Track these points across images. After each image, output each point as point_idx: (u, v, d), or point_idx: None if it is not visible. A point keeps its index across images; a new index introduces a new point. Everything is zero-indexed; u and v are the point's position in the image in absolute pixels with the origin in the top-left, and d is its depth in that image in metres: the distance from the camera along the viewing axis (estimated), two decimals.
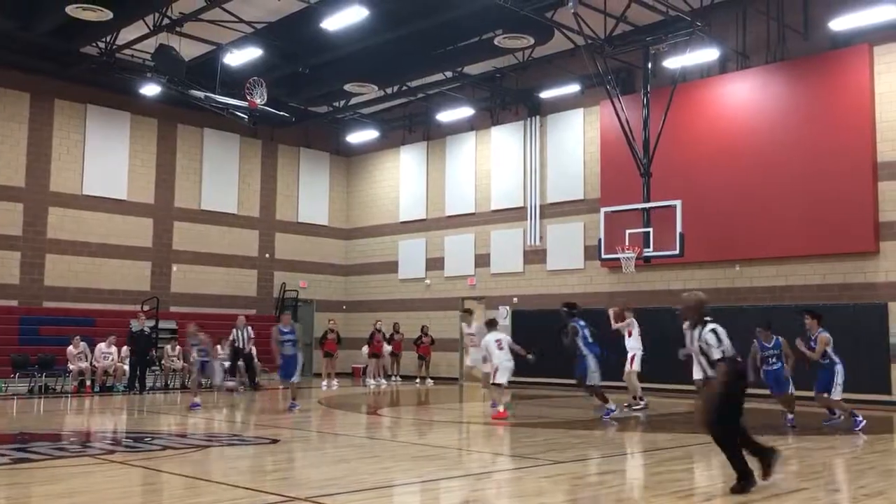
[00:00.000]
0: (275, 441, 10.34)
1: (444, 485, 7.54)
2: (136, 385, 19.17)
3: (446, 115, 24.19)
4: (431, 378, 23.33)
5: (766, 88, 18.79)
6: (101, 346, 19.21)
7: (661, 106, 18.52)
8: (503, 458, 9.56)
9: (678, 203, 17.47)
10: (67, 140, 22.59)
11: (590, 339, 13.25)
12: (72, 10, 16.55)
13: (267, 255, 26.63)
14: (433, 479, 7.69)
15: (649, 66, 18.91)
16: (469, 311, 18.54)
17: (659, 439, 10.90)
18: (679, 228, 17.36)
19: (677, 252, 17.42)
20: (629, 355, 14.88)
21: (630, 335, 14.97)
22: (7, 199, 21.36)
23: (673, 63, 18.64)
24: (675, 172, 19.09)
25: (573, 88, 21.48)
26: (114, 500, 6.60)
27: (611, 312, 15.53)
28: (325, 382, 21.80)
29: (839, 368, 11.82)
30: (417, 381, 23.32)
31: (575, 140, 22.63)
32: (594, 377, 13.10)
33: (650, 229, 18.03)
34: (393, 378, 23.54)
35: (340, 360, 23.35)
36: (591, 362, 13.06)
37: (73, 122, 22.69)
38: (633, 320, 15.11)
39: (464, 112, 23.93)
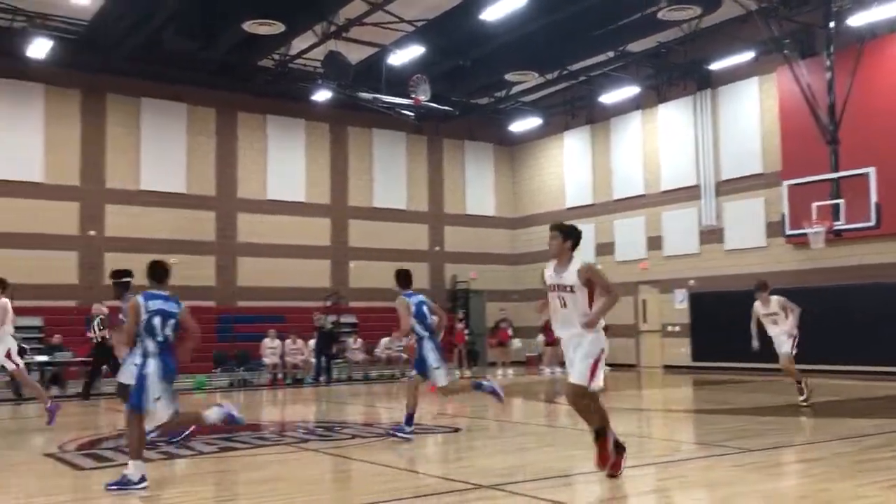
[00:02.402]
0: (456, 430, 10.54)
1: (628, 473, 7.38)
2: (322, 377, 20.17)
3: (610, 97, 23.67)
4: (608, 365, 22.92)
5: None
6: (288, 342, 20.37)
7: (847, 67, 17.22)
8: (688, 446, 9.25)
9: (871, 170, 16.16)
10: (251, 150, 24.09)
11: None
12: (248, 26, 17.61)
13: (437, 248, 27.20)
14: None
15: (831, 25, 17.60)
16: None
17: (861, 426, 10.15)
18: (874, 198, 16.05)
19: (873, 223, 16.13)
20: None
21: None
22: (201, 207, 23.07)
23: (859, 19, 17.25)
24: (866, 138, 17.70)
25: (746, 57, 20.39)
26: (310, 485, 6.97)
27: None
28: (500, 371, 22.00)
29: None
30: None
31: (750, 111, 21.50)
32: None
33: (840, 200, 16.80)
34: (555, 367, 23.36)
35: (514, 350, 23.50)
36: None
37: (255, 133, 24.18)
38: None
39: (628, 92, 23.31)
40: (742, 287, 20.60)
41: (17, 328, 19.06)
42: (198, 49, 19.85)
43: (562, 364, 23.68)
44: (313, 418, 13.32)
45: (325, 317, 20.66)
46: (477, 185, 28.27)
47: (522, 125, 26.85)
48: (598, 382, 6.58)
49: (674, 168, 23.40)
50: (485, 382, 10.05)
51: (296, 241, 24.36)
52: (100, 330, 15.86)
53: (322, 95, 22.25)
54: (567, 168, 26.93)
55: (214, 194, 23.46)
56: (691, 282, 22.65)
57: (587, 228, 25.78)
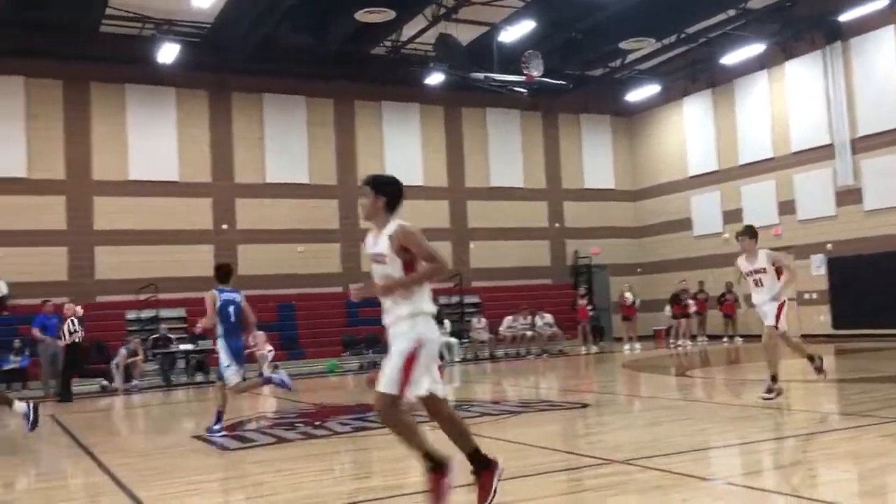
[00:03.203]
0: (584, 406, 10.46)
1: (768, 446, 7.13)
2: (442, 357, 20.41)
3: (732, 58, 22.70)
4: (741, 336, 22.18)
5: None
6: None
7: None
8: (833, 417, 8.82)
9: None
10: (370, 136, 24.56)
11: None
12: (360, 15, 17.93)
13: (557, 225, 26.95)
14: (755, 441, 7.30)
15: None
16: None
17: None
18: None
19: None
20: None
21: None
22: (324, 196, 23.74)
23: None
24: None
25: (880, 3, 19.06)
26: None
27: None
28: (626, 346, 21.66)
29: None
30: (725, 340, 22.30)
31: (887, 61, 20.13)
32: None
33: None
34: (699, 338, 22.74)
35: (641, 323, 23.05)
36: None
37: (371, 120, 24.63)
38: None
39: (751, 51, 22.26)
40: (885, 249, 19.44)
41: (164, 319, 20.41)
42: (313, 42, 20.36)
43: (693, 337, 22.96)
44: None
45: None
46: (595, 159, 27.78)
47: (639, 94, 26.13)
48: (418, 389, 4.84)
49: (804, 127, 22.22)
50: (274, 376, 10.13)
51: (416, 223, 24.59)
52: (73, 331, 15.49)
53: (435, 78, 22.39)
54: (688, 135, 26.06)
55: (336, 183, 24.09)
56: (829, 246, 21.50)
57: (712, 196, 25.05)
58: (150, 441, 9.84)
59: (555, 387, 14.01)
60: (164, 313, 20.72)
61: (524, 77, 19.85)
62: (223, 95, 22.91)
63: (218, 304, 9.49)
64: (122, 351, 17.83)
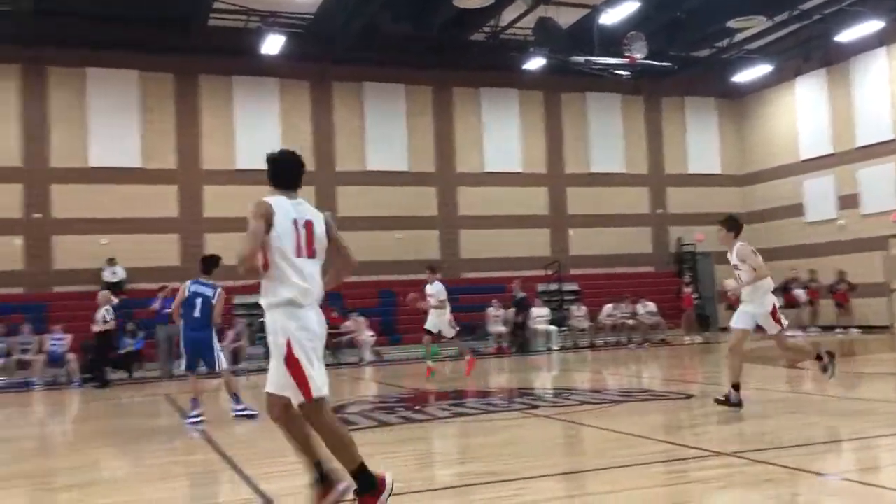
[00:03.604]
0: (689, 397, 10.18)
1: (886, 442, 6.75)
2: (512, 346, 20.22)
3: (848, 35, 21.54)
4: (855, 327, 21.15)
5: None
6: (511, 311, 20.65)
7: None
8: None
9: None
10: (468, 123, 24.57)
11: None
12: (459, 1, 17.89)
13: (659, 211, 26.32)
14: (871, 436, 6.92)
15: None
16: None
17: None
18: None
19: None
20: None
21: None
22: (423, 184, 23.91)
23: None
24: None
25: None
26: (546, 450, 7.03)
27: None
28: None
29: None
30: (838, 331, 21.31)
31: None
32: None
33: None
34: (810, 329, 21.80)
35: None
36: None
37: (470, 107, 24.63)
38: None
39: (869, 27, 21.07)
40: None
41: None
42: (412, 30, 20.46)
43: (803, 328, 22.03)
44: (540, 385, 13.44)
45: (517, 287, 20.67)
46: (700, 143, 26.95)
47: (748, 75, 25.13)
48: (319, 389, 4.46)
49: None
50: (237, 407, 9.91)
51: (514, 211, 24.54)
52: (106, 319, 15.83)
53: (534, 63, 22.16)
54: (801, 117, 24.93)
55: (435, 170, 24.21)
56: None
57: (826, 181, 23.91)
58: (255, 421, 10.14)
59: (657, 376, 13.72)
60: None
61: (626, 60, 19.39)
62: (324, 85, 23.35)
63: (186, 294, 9.81)
64: (230, 334, 18.49)
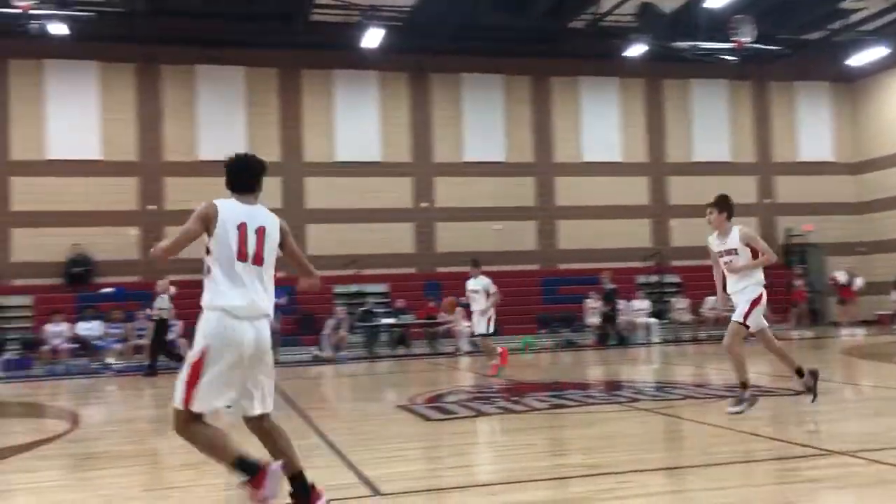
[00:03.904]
0: (798, 393, 9.77)
1: None
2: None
3: None
4: None
5: None
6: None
7: None
8: None
9: None
10: (566, 112, 24.32)
11: None
12: None
13: (766, 200, 25.38)
14: None
15: None
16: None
17: None
18: None
19: None
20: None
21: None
22: (521, 174, 23.79)
23: None
24: None
25: None
26: (646, 444, 6.90)
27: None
28: (844, 331, 20.08)
29: None
30: None
31: None
32: None
33: None
34: None
35: (863, 307, 21.27)
36: None
37: (568, 96, 24.37)
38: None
39: None
40: None
41: (367, 294, 21.41)
42: (511, 20, 20.36)
43: None
44: (640, 378, 13.19)
45: (607, 278, 20.24)
46: (810, 129, 25.80)
47: (864, 57, 23.87)
48: (205, 404, 4.31)
49: None
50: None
51: (614, 201, 24.14)
52: (161, 308, 15.95)
53: (636, 50, 21.70)
54: None
55: (532, 160, 24.06)
56: None
57: None
58: (357, 408, 10.36)
59: (765, 372, 13.23)
60: (368, 288, 21.73)
61: (733, 44, 18.76)
62: (423, 77, 23.52)
63: None
64: (330, 323, 18.92)
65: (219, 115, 21.98)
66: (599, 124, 24.34)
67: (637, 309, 20.57)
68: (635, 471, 5.67)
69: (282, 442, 4.52)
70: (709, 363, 14.62)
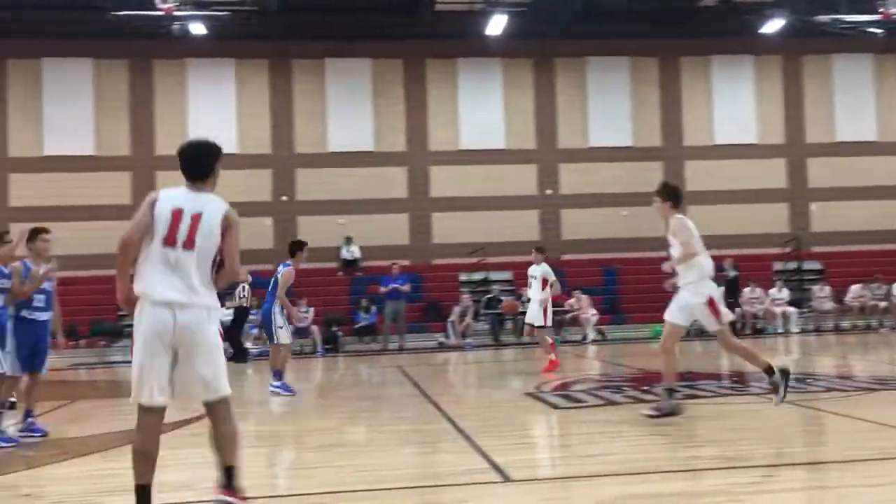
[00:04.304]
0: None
1: None
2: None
3: None
4: None
5: None
6: (746, 290, 19.53)
7: None
8: None
9: None
10: (696, 92, 23.54)
11: None
12: None
13: None
14: None
15: None
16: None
17: None
18: None
19: None
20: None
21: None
22: (648, 159, 23.18)
23: None
24: None
25: None
26: (785, 438, 6.59)
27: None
28: None
29: None
30: None
31: None
32: None
33: None
34: None
35: None
36: None
37: (699, 75, 23.60)
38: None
39: None
40: None
41: (492, 281, 21.44)
42: (637, 1, 19.83)
43: None
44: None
45: (730, 265, 19.29)
46: None
47: None
48: (138, 396, 4.14)
49: None
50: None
51: (747, 185, 23.13)
52: (242, 296, 16.15)
53: (772, 26, 20.69)
54: None
55: (661, 144, 23.40)
56: None
57: None
58: (484, 395, 10.41)
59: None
60: (493, 276, 21.75)
61: (880, 15, 17.56)
62: (547, 63, 23.28)
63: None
64: (456, 310, 19.08)
65: (346, 107, 22.54)
66: (732, 105, 23.38)
67: (775, 298, 19.67)
68: (776, 465, 5.42)
69: (220, 432, 4.33)
70: (854, 354, 13.82)
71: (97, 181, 21.61)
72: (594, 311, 19.62)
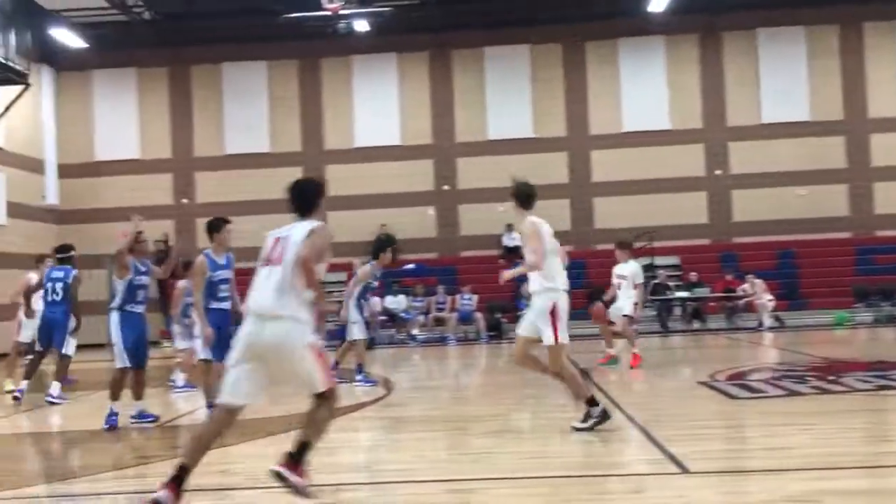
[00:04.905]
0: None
1: None
2: None
3: None
4: None
5: None
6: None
7: None
8: None
9: None
10: (882, 61, 21.84)
11: None
12: None
13: None
14: None
15: None
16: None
17: None
18: None
19: None
20: None
21: None
22: (827, 133, 21.64)
23: None
24: None
25: None
26: None
27: None
28: None
29: None
30: None
31: None
32: None
33: None
34: None
35: None
36: None
37: (884, 43, 21.85)
38: None
39: None
40: None
41: (658, 266, 20.76)
42: None
43: None
44: None
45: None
46: None
47: None
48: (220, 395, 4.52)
49: None
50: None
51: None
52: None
53: None
54: None
55: (842, 118, 21.82)
56: None
57: None
58: (654, 384, 10.10)
59: None
60: (659, 261, 21.06)
61: None
62: (713, 37, 22.25)
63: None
64: None
65: (506, 95, 22.50)
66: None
67: None
68: None
69: (311, 415, 4.56)
70: None
71: (274, 177, 22.71)
72: (770, 297, 18.59)
